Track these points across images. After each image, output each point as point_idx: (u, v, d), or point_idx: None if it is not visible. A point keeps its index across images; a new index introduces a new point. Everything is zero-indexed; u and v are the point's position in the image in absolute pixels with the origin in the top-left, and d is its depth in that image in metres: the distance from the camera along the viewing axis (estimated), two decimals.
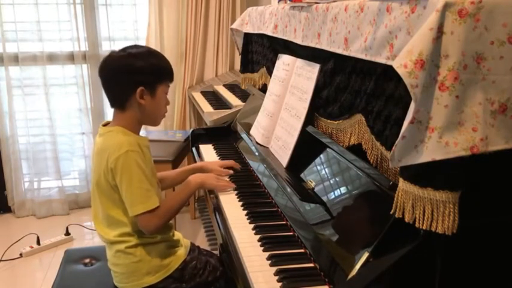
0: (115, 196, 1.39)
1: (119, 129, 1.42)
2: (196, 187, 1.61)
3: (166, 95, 1.50)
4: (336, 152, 1.34)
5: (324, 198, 1.29)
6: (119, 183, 1.36)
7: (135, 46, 1.48)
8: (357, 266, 0.99)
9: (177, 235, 1.56)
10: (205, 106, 2.80)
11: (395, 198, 0.93)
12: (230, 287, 1.43)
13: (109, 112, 3.43)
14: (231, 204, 1.53)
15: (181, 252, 1.50)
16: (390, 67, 0.91)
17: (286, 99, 1.73)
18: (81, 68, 3.25)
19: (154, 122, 1.51)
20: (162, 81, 1.46)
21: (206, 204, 1.79)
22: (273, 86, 1.86)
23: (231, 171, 1.77)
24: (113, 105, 1.46)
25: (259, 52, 2.21)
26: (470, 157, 0.82)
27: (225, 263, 1.46)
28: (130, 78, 1.41)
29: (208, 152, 2.11)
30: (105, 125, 1.47)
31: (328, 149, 1.39)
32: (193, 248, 1.57)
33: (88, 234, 3.07)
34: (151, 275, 1.43)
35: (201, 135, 2.31)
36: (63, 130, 3.37)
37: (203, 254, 1.57)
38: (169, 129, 3.36)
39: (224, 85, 3.12)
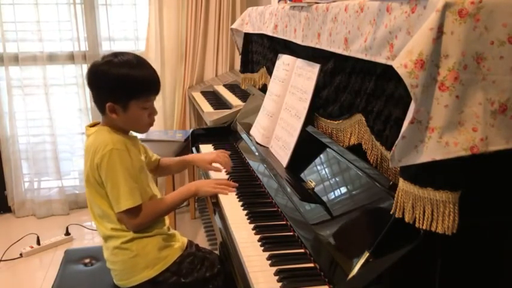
0: (103, 191, 1.41)
1: (106, 128, 1.43)
2: (190, 195, 1.61)
3: (148, 109, 1.41)
4: (336, 152, 1.34)
5: (324, 198, 1.29)
6: (105, 180, 1.38)
7: (116, 54, 1.40)
8: (357, 266, 0.99)
9: (174, 232, 1.56)
10: (205, 106, 2.80)
11: (395, 198, 0.93)
12: (229, 285, 1.43)
13: None
14: (231, 204, 1.53)
15: (178, 246, 1.51)
16: (390, 67, 0.91)
17: (286, 99, 1.73)
18: (81, 68, 3.25)
19: (138, 131, 1.51)
20: (134, 97, 1.37)
21: (206, 204, 1.79)
22: (273, 86, 1.86)
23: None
24: None
25: (259, 52, 2.21)
26: (470, 157, 0.82)
27: (225, 263, 1.46)
28: (99, 92, 1.42)
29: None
30: (92, 126, 1.49)
31: (328, 149, 1.39)
32: (191, 244, 1.57)
33: (88, 234, 3.07)
34: (149, 268, 1.43)
35: (201, 135, 2.32)
36: (63, 130, 3.36)
37: (201, 251, 1.57)
38: (169, 129, 3.36)
39: (224, 85, 3.12)
